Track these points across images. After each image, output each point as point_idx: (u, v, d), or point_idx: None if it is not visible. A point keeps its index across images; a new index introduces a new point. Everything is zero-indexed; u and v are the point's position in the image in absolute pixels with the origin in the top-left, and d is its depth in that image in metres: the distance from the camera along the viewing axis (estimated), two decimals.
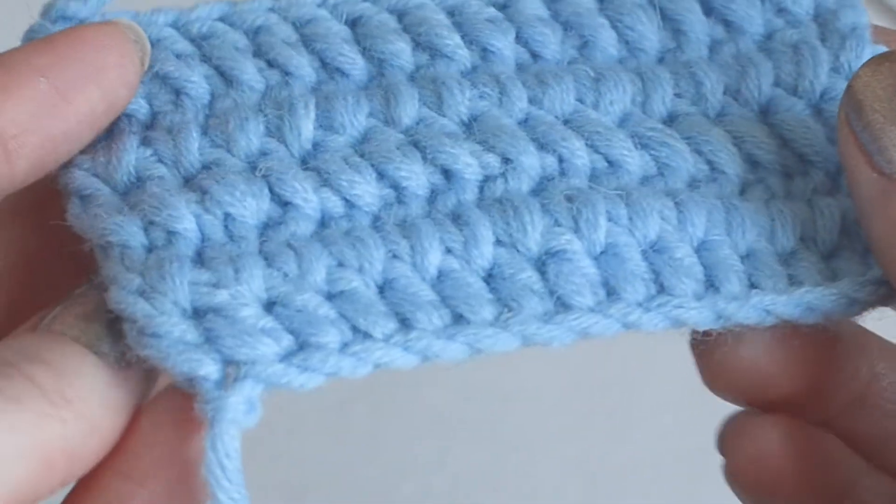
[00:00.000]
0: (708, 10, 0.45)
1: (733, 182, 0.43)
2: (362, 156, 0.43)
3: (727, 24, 0.45)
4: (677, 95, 0.44)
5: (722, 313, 0.41)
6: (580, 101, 0.44)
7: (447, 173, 0.43)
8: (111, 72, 0.42)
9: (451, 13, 0.45)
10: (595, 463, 0.75)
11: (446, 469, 0.76)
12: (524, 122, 0.43)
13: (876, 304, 0.42)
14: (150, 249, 0.42)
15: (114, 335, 0.40)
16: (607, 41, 0.45)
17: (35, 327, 0.41)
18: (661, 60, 0.45)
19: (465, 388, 0.76)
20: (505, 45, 0.44)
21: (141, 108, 0.44)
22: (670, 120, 0.44)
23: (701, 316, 0.41)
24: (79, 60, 0.42)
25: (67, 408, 0.38)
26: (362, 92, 0.44)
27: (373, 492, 0.75)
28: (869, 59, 0.42)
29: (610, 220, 0.41)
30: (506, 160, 0.42)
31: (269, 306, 0.40)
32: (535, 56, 0.45)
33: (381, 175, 0.42)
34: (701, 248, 0.42)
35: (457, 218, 0.42)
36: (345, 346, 0.40)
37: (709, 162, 0.43)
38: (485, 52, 0.45)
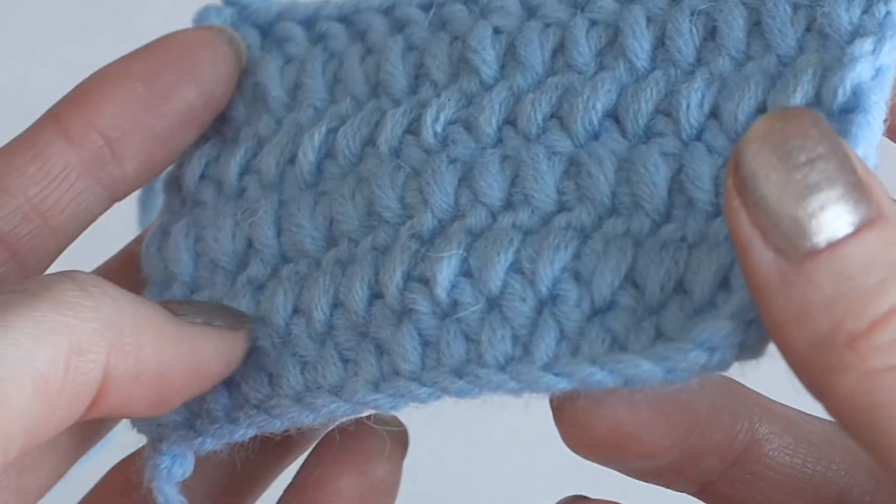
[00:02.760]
0: (756, 23, 0.42)
1: (647, 218, 0.40)
2: (324, 195, 0.45)
3: (764, 40, 0.41)
4: (664, 113, 0.41)
5: (526, 382, 0.39)
6: (555, 115, 0.43)
7: (377, 215, 0.43)
8: (205, 70, 0.45)
9: (528, 9, 0.45)
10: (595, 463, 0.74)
11: (443, 469, 0.75)
12: (496, 145, 0.43)
13: (695, 371, 0.37)
14: (164, 288, 0.47)
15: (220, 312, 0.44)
16: (639, 53, 0.42)
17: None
18: (690, 73, 0.42)
19: None
20: (535, 56, 0.44)
21: (239, 114, 0.47)
22: (645, 139, 0.41)
23: (506, 386, 0.39)
24: (172, 62, 0.44)
25: None
26: (365, 121, 0.45)
27: None
28: (760, 119, 0.37)
29: (461, 273, 0.41)
30: (424, 200, 0.43)
31: None
32: (568, 67, 0.43)
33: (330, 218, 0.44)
34: (547, 301, 0.40)
35: (350, 270, 0.43)
36: (228, 412, 0.44)
37: (632, 194, 0.41)
38: (516, 62, 0.44)
